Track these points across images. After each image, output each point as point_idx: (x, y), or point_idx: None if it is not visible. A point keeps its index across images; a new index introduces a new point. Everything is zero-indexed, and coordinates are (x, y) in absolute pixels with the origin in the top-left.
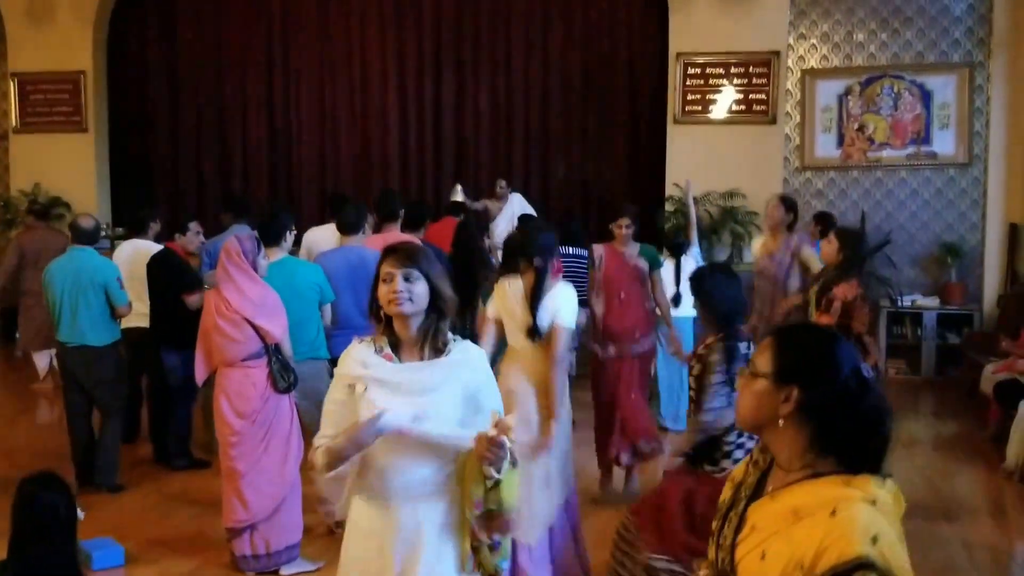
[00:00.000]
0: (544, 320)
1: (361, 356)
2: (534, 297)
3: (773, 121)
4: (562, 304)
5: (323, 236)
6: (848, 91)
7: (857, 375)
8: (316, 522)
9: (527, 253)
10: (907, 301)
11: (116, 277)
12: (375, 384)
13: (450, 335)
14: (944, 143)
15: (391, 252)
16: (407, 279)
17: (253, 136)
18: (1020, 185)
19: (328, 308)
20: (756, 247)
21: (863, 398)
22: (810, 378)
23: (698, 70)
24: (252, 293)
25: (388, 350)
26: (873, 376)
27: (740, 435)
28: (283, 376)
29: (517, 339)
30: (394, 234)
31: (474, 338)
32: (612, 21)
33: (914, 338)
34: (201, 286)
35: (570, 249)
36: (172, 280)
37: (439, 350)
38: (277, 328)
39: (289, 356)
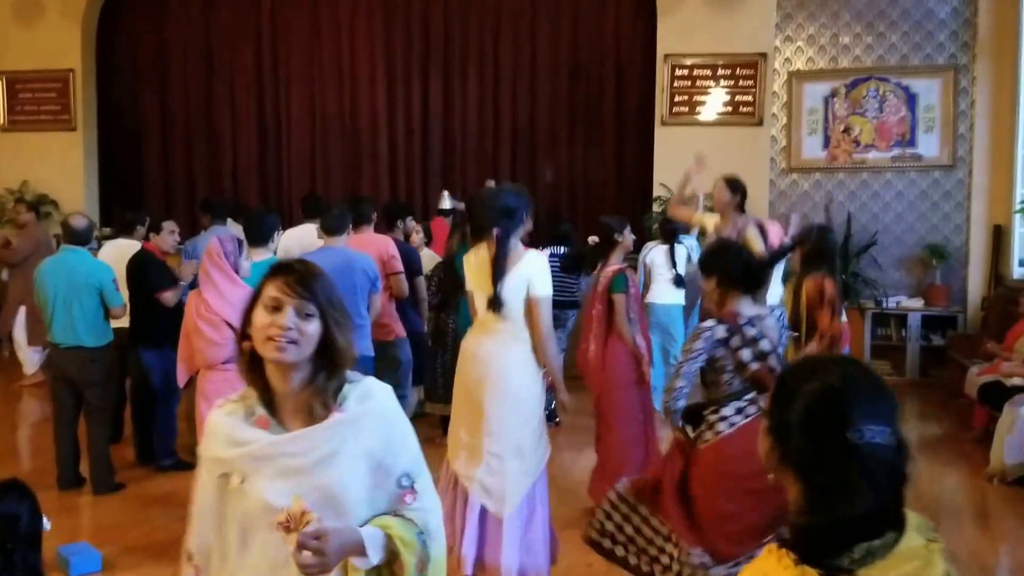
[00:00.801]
0: (514, 293)
1: (229, 430)
2: (495, 267)
3: (760, 123)
4: (534, 273)
5: (297, 236)
6: (834, 93)
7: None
8: None
9: (486, 220)
10: (892, 302)
11: (112, 279)
12: (254, 467)
13: (347, 375)
14: (929, 145)
15: (284, 271)
16: (299, 313)
17: (243, 136)
18: (1004, 187)
19: None
20: (710, 228)
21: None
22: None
23: (685, 71)
24: (233, 295)
25: (262, 412)
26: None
27: (717, 409)
28: None
29: (483, 310)
30: (368, 235)
31: (459, 332)
32: (600, 23)
33: (898, 339)
34: (176, 284)
35: (561, 249)
36: (147, 279)
37: (330, 405)
38: None
39: None
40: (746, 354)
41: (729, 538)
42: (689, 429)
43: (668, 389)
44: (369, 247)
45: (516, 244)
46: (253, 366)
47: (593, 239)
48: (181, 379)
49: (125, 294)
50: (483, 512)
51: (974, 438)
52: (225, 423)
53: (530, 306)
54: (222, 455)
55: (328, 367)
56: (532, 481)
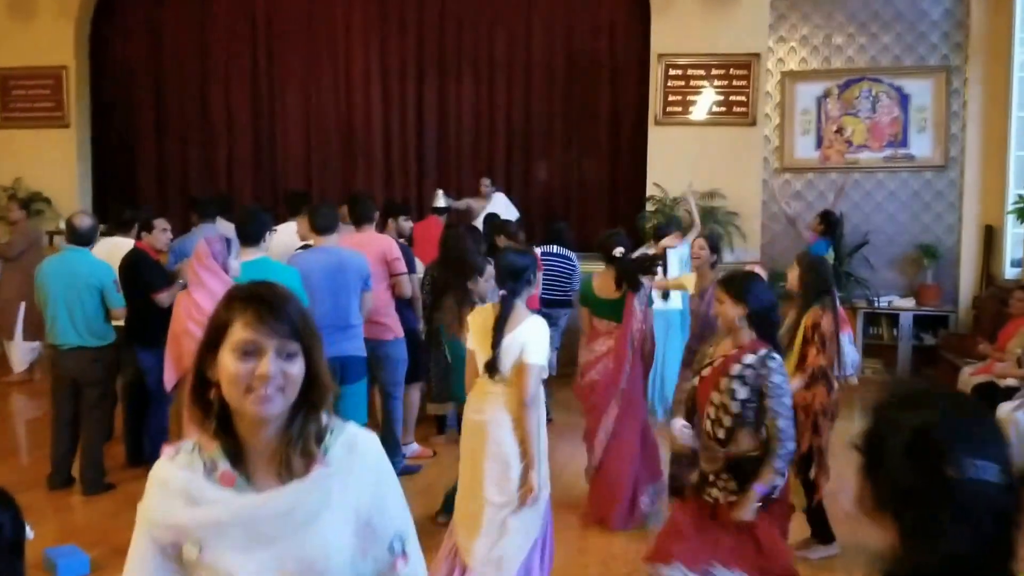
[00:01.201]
0: (507, 356)
1: (185, 486)
2: (496, 329)
3: (753, 123)
4: (530, 339)
5: (281, 234)
6: (827, 94)
7: None
8: None
9: (497, 281)
10: (883, 302)
11: (113, 280)
12: (217, 534)
13: (323, 417)
14: (921, 146)
15: (252, 301)
16: (281, 354)
17: (237, 134)
18: (996, 187)
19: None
20: (690, 289)
21: None
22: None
23: (679, 71)
24: (224, 296)
25: (226, 466)
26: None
27: None
28: None
29: (482, 371)
30: (370, 235)
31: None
32: (594, 22)
33: (890, 339)
34: (170, 284)
35: (554, 248)
36: (142, 279)
37: (311, 455)
38: None
39: None
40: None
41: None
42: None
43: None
44: (371, 247)
45: (520, 306)
46: (214, 412)
47: (619, 250)
48: (169, 382)
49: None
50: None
51: None
52: (179, 479)
53: (520, 370)
54: (175, 519)
55: (307, 409)
56: (531, 544)
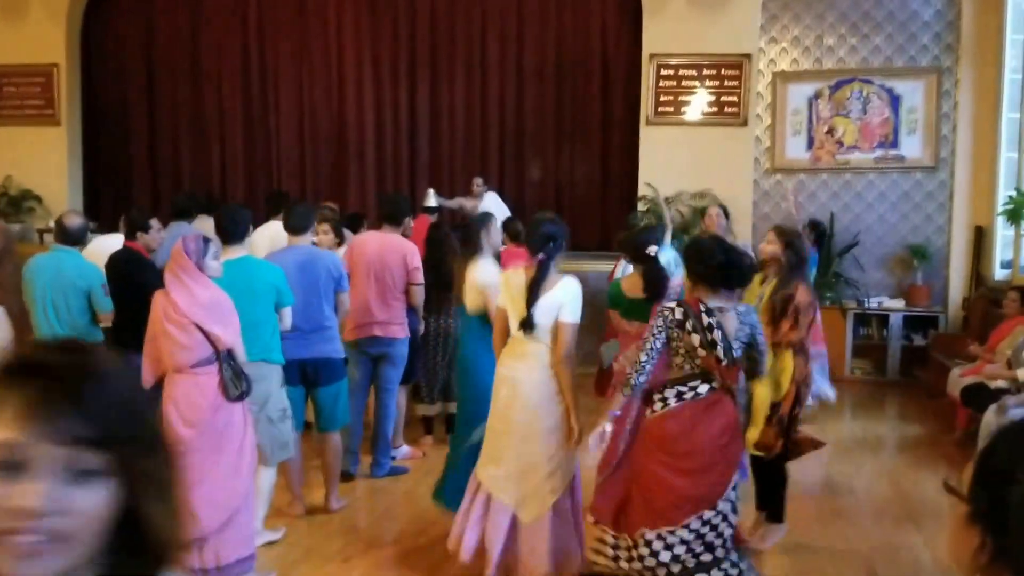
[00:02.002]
0: (544, 315)
1: None
2: (531, 290)
3: (744, 123)
4: (567, 299)
5: (262, 235)
6: (818, 94)
7: None
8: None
9: (529, 245)
10: (873, 303)
11: (101, 283)
12: None
13: None
14: (912, 147)
15: (29, 377)
16: (67, 473)
17: (230, 133)
18: (986, 189)
19: (288, 312)
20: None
21: None
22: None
23: (671, 72)
24: (202, 296)
25: None
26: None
27: (663, 390)
28: (235, 384)
29: (515, 330)
30: (393, 237)
31: (448, 332)
32: (586, 23)
33: (880, 339)
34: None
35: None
36: (137, 280)
37: None
38: (229, 333)
39: (242, 362)
40: (696, 339)
41: (669, 504)
42: (641, 406)
43: (632, 362)
44: (393, 251)
45: (553, 269)
46: None
47: (653, 249)
48: (147, 381)
49: None
50: (511, 518)
51: (956, 440)
52: None
53: (558, 329)
54: None
55: (129, 565)
56: (563, 489)
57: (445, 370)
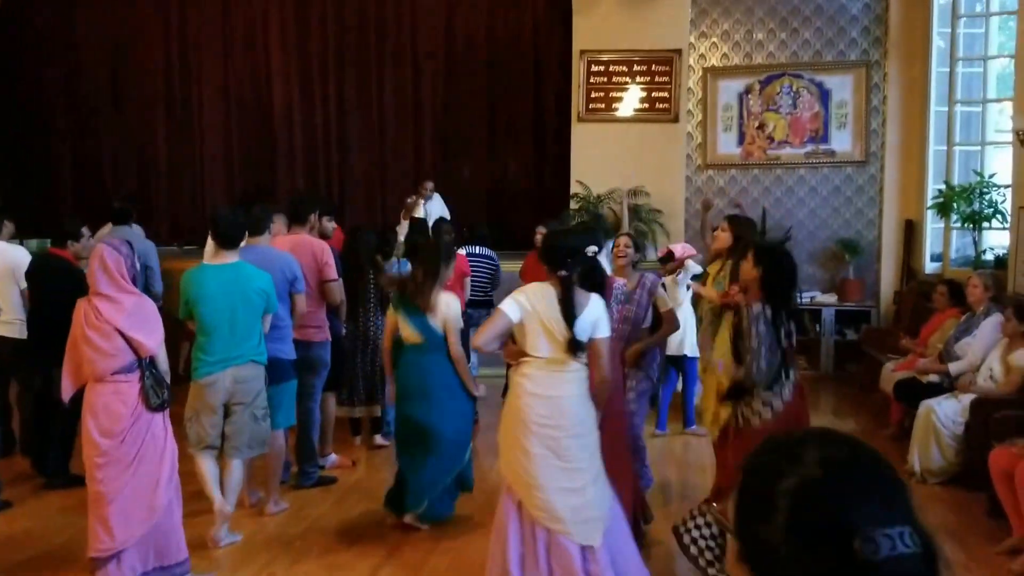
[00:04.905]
0: (584, 334)
1: None
2: (566, 310)
3: (676, 119)
4: (600, 315)
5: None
6: (748, 89)
7: None
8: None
9: (550, 263)
10: (806, 298)
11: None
12: None
13: None
14: (842, 141)
15: None
16: None
17: (156, 132)
18: (916, 182)
19: (269, 318)
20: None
21: None
22: None
23: (601, 68)
24: (126, 303)
25: None
26: None
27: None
28: (156, 392)
29: (550, 348)
30: (301, 237)
31: (367, 338)
32: (517, 18)
33: (813, 334)
34: None
35: (476, 249)
36: (70, 289)
37: None
38: (152, 340)
39: (164, 371)
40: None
41: None
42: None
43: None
44: (303, 250)
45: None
46: None
47: (592, 249)
48: (67, 393)
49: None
50: (556, 544)
51: (891, 435)
52: None
53: (594, 346)
54: None
55: None
56: (608, 508)
57: (369, 373)
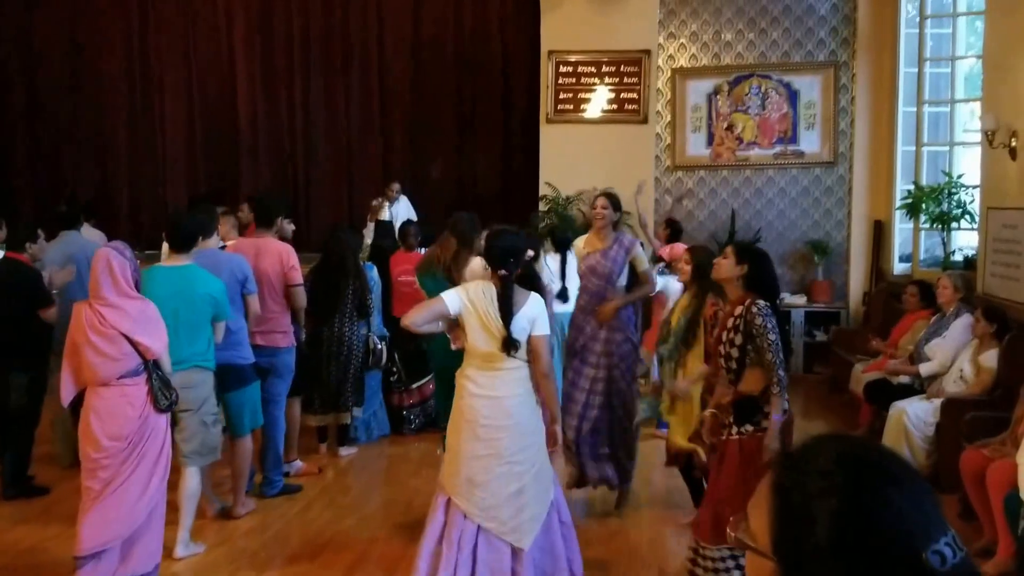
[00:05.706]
0: (522, 332)
1: None
2: (503, 309)
3: (644, 120)
4: (539, 313)
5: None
6: (717, 90)
7: None
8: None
9: (491, 262)
10: None
11: None
12: None
13: None
14: (810, 142)
15: None
16: None
17: (117, 135)
18: (884, 183)
19: (221, 326)
20: (579, 244)
21: None
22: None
23: (570, 68)
24: (130, 307)
25: None
26: None
27: None
28: (164, 394)
29: (488, 344)
30: (266, 240)
31: (342, 344)
32: (485, 18)
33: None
34: (53, 300)
35: None
36: (28, 294)
37: None
38: (157, 343)
39: (168, 372)
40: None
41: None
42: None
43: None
44: (269, 254)
45: (516, 285)
46: None
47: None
48: (67, 397)
49: None
50: (488, 544)
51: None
52: None
53: (534, 344)
54: None
55: None
56: (547, 507)
57: (340, 380)
